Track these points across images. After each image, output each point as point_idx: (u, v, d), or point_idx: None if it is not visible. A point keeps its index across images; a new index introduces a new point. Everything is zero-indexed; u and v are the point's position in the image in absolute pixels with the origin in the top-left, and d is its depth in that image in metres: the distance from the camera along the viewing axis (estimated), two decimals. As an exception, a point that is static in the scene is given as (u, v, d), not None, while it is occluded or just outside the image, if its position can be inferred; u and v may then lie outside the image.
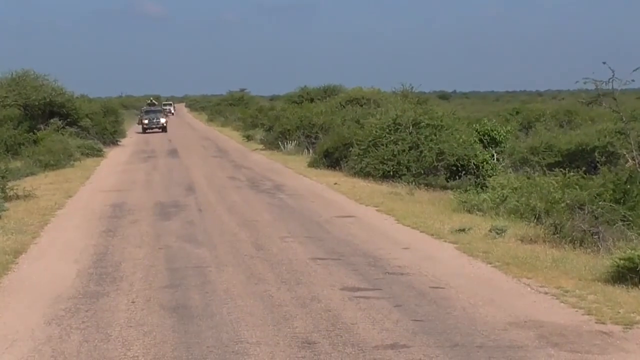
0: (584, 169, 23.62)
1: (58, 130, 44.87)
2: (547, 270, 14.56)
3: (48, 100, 46.86)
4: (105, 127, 53.45)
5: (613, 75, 19.40)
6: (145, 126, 72.67)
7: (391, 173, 30.12)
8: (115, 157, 44.20)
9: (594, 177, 21.02)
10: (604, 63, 19.64)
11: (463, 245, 17.07)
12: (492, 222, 19.42)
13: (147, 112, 76.30)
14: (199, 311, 11.98)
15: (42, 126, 45.44)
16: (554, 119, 47.99)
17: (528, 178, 24.78)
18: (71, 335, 10.90)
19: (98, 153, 44.97)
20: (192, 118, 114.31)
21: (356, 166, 31.84)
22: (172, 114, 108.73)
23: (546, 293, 13.02)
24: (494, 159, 30.53)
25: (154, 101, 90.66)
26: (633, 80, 19.77)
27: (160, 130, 71.83)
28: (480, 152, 30.05)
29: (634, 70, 19.70)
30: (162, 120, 73.34)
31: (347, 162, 33.68)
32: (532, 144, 34.45)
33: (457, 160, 29.60)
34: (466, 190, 24.56)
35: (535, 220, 19.28)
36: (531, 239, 17.53)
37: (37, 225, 20.03)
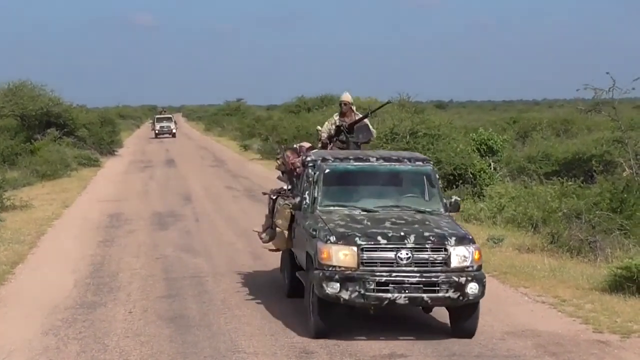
0: (581, 178, 23.67)
1: (55, 141, 44.80)
2: (545, 279, 14.56)
3: (45, 110, 46.76)
4: (102, 137, 53.35)
5: (614, 85, 19.37)
6: None
7: (388, 182, 30.05)
8: (112, 167, 44.15)
9: (591, 186, 21.04)
10: (607, 73, 19.62)
11: (460, 254, 17.03)
12: (490, 232, 19.43)
13: None
14: (196, 321, 11.96)
15: (39, 136, 45.35)
16: (551, 128, 47.96)
17: (525, 187, 24.79)
18: (68, 345, 10.88)
19: (95, 163, 44.89)
20: (190, 128, 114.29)
21: (353, 175, 31.76)
22: (173, 133, 76.90)
23: (543, 302, 13.03)
24: (491, 168, 30.53)
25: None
26: (633, 89, 19.74)
27: None
28: (478, 162, 30.05)
29: (634, 80, 19.67)
30: None
31: (344, 171, 33.60)
32: (529, 153, 34.41)
33: (454, 169, 29.55)
34: (463, 200, 24.55)
35: (532, 230, 19.30)
36: (528, 248, 17.53)
37: (34, 236, 19.99)
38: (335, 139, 13.95)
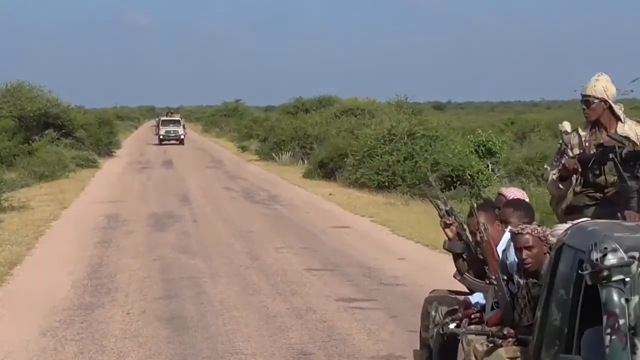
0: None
1: (53, 142, 44.81)
2: (543, 280, 14.55)
3: (43, 111, 46.77)
4: (100, 138, 53.43)
5: None
6: None
7: (386, 184, 30.12)
8: (110, 168, 44.15)
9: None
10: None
11: (458, 255, 17.02)
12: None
13: None
14: (194, 322, 11.95)
15: (36, 137, 45.35)
16: (549, 129, 47.99)
17: (523, 188, 24.74)
18: (66, 346, 10.86)
19: (93, 164, 44.91)
20: (188, 129, 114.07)
21: (351, 177, 31.84)
22: (181, 139, 66.49)
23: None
24: (489, 170, 30.55)
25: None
26: (632, 91, 19.64)
27: None
28: (476, 163, 30.08)
29: (632, 81, 19.58)
30: None
31: (342, 172, 33.67)
32: (527, 154, 34.44)
33: (452, 170, 29.63)
34: (461, 201, 24.56)
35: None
36: (526, 250, 17.50)
37: (31, 237, 19.97)
38: (596, 168, 6.47)
